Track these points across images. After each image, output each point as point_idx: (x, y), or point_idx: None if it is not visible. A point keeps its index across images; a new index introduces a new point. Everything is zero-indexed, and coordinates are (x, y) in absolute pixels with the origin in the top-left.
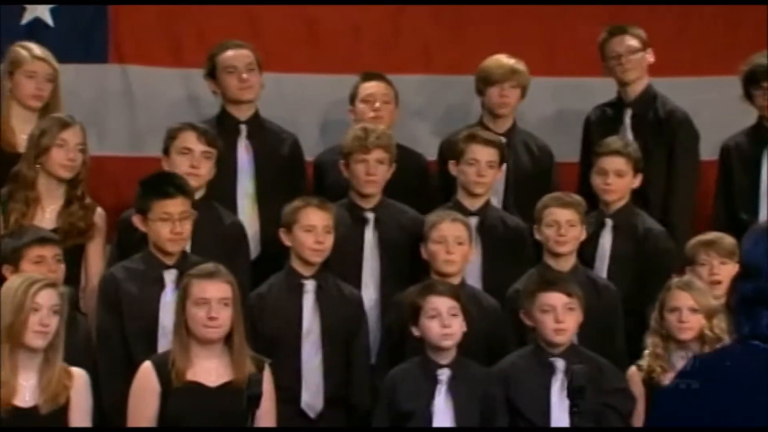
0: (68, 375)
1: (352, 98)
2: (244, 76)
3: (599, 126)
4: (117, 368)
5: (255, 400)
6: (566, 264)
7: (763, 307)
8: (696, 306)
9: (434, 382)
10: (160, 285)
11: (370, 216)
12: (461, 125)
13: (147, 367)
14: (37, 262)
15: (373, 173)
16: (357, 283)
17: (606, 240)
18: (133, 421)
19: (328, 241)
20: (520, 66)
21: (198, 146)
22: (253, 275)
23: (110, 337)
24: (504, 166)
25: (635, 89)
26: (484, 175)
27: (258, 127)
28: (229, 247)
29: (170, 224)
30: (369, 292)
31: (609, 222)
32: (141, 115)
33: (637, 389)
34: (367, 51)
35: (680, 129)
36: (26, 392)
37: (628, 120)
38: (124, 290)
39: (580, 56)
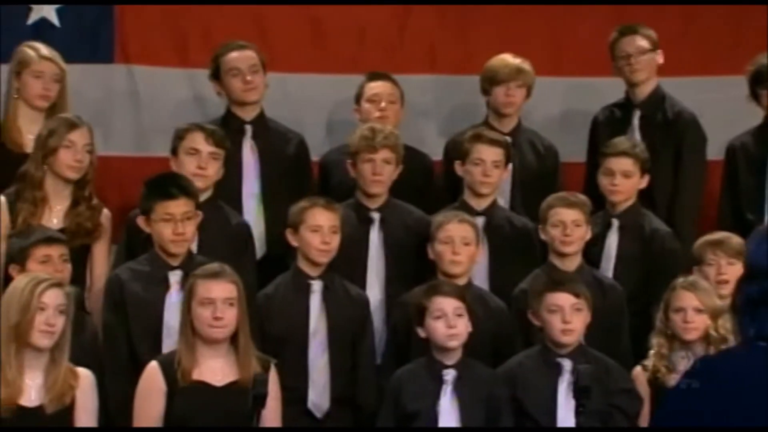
0: (74, 375)
1: (358, 98)
2: (248, 77)
3: (607, 126)
4: (122, 368)
5: (260, 399)
6: (572, 264)
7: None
8: (701, 306)
9: (440, 382)
10: (165, 286)
11: (376, 216)
12: (467, 125)
13: (153, 366)
14: (44, 261)
15: (379, 173)
16: (362, 283)
17: (612, 240)
18: (139, 421)
19: (335, 241)
20: (526, 65)
21: (205, 147)
22: (258, 275)
23: (116, 337)
24: (510, 166)
25: (644, 90)
26: (489, 175)
27: (263, 127)
28: (235, 248)
29: (173, 225)
30: (374, 293)
31: (615, 222)
32: (147, 115)
33: (642, 389)
34: (373, 51)
35: (688, 130)
36: (32, 392)
37: (636, 121)
38: (129, 291)
39: (585, 56)
